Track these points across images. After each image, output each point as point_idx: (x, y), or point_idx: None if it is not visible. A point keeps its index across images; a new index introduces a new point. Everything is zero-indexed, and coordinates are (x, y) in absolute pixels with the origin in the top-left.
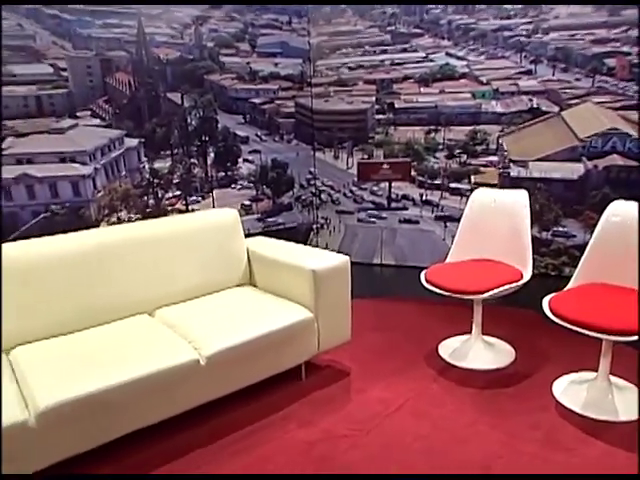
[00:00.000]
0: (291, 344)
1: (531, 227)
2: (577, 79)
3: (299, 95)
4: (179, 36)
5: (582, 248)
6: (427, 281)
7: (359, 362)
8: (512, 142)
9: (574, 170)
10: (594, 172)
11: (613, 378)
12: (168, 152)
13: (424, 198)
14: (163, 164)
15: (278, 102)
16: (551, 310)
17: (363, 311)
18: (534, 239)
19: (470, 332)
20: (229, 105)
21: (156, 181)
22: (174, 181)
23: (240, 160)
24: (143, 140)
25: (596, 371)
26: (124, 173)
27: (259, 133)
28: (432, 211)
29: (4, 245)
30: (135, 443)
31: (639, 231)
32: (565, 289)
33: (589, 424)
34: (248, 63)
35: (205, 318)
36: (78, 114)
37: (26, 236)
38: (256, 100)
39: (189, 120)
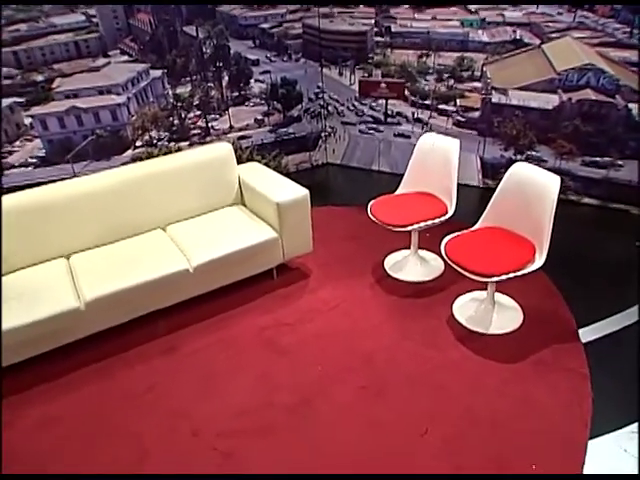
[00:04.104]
0: (260, 255)
1: (507, 150)
2: (559, 13)
3: (306, 16)
4: None
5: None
6: (371, 213)
7: (321, 267)
8: (495, 70)
9: (550, 101)
10: (568, 104)
11: (504, 297)
12: (188, 79)
13: (416, 116)
14: (184, 89)
15: (286, 25)
16: (445, 252)
17: (342, 220)
18: (510, 160)
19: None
20: (240, 32)
21: (179, 104)
22: (194, 103)
23: (252, 81)
24: (166, 70)
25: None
26: (152, 99)
27: (268, 55)
28: (422, 128)
29: (56, 185)
30: (147, 322)
31: None
32: (470, 229)
33: (464, 333)
34: None
35: (200, 233)
36: (110, 53)
37: (81, 154)
38: (265, 25)
39: (204, 49)
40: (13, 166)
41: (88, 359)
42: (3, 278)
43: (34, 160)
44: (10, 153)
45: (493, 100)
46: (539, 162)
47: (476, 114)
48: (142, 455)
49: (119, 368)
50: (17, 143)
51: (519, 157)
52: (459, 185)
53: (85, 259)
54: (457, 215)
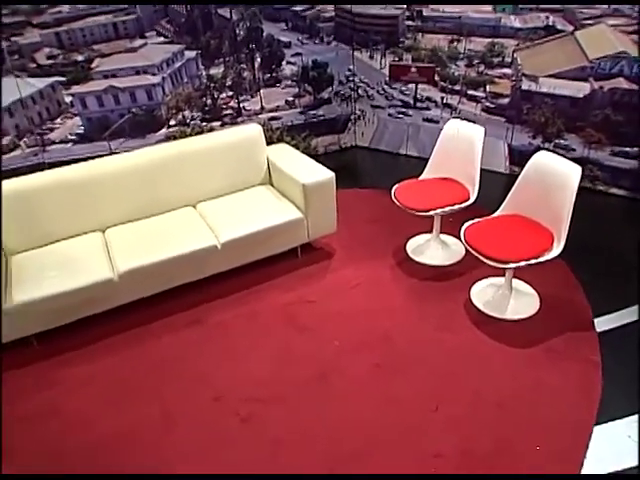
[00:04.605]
0: (286, 234)
1: (535, 137)
2: None
3: None
4: None
5: (579, 161)
6: (395, 197)
7: (345, 247)
8: (526, 57)
9: (580, 89)
10: (599, 93)
11: (521, 284)
12: (221, 60)
13: (445, 101)
14: (217, 70)
15: (318, 8)
16: (465, 237)
17: (367, 202)
18: (538, 148)
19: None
20: (272, 15)
21: (212, 85)
22: (227, 84)
23: (284, 63)
24: (200, 51)
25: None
26: (186, 80)
27: (300, 37)
28: (451, 113)
29: (94, 162)
30: (175, 295)
31: None
32: (491, 216)
33: (480, 317)
34: None
35: (228, 211)
36: (146, 34)
37: (117, 132)
38: (297, 7)
39: (237, 31)
40: (54, 142)
41: (118, 329)
42: (43, 248)
43: (73, 137)
44: (51, 130)
45: (523, 87)
46: (567, 150)
47: (505, 101)
48: (166, 416)
49: (147, 338)
50: (58, 120)
51: (547, 145)
52: (486, 171)
53: (119, 233)
54: (482, 201)
